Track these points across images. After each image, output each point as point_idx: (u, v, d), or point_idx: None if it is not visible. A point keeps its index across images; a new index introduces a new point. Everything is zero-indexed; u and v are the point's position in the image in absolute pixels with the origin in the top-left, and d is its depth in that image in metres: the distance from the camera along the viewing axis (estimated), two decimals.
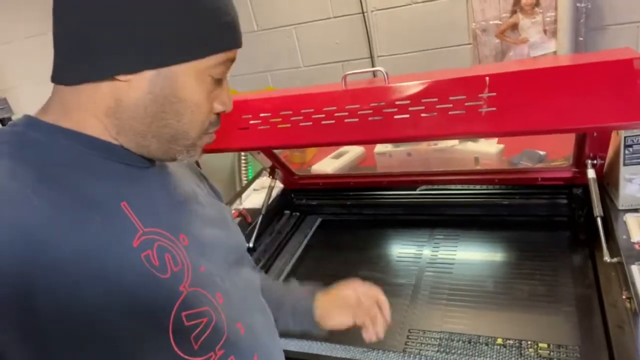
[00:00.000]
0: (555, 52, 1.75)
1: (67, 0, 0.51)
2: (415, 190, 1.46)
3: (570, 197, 1.28)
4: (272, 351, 0.70)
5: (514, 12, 1.79)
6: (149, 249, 0.53)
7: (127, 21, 0.49)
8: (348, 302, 0.87)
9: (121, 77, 0.51)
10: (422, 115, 0.79)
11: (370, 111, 0.83)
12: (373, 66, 2.15)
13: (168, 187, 0.63)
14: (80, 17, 0.50)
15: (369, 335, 0.85)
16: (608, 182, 1.13)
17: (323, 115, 0.86)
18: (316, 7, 2.14)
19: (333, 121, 0.85)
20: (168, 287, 0.54)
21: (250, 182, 1.64)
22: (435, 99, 0.79)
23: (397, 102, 0.81)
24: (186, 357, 0.54)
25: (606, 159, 1.09)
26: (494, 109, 0.74)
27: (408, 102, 0.81)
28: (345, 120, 0.84)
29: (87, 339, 0.47)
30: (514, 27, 1.81)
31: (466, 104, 0.76)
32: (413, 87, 0.82)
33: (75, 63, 0.52)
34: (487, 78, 0.75)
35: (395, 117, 0.81)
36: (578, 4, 1.66)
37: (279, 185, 1.55)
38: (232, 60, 0.57)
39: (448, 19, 1.95)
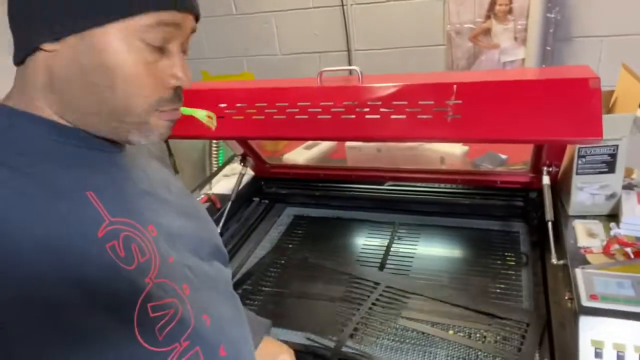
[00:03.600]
0: (523, 60, 1.82)
1: None
2: (382, 185, 1.50)
3: (526, 200, 1.36)
4: (239, 342, 0.70)
5: (487, 17, 1.84)
6: (114, 240, 0.52)
7: None
8: None
9: (47, 47, 0.49)
10: (392, 117, 0.82)
11: (343, 109, 0.86)
12: (349, 59, 2.17)
13: (138, 176, 0.62)
14: None
15: None
16: (561, 188, 1.20)
17: (297, 110, 0.88)
18: None
19: (306, 116, 0.88)
20: (133, 279, 0.53)
21: (221, 168, 1.65)
22: (405, 102, 0.82)
23: (369, 103, 0.85)
24: (150, 348, 0.53)
25: (561, 167, 1.16)
26: (459, 116, 0.78)
27: (379, 103, 0.84)
28: (319, 117, 0.87)
29: (49, 330, 0.46)
30: (487, 32, 1.86)
31: (434, 109, 0.80)
32: (385, 89, 0.85)
33: (16, 40, 0.51)
34: (454, 86, 0.79)
35: (367, 116, 0.84)
36: (548, 15, 1.72)
37: (249, 173, 1.56)
38: (173, 25, 0.51)
39: (424, 19, 1.98)
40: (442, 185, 1.44)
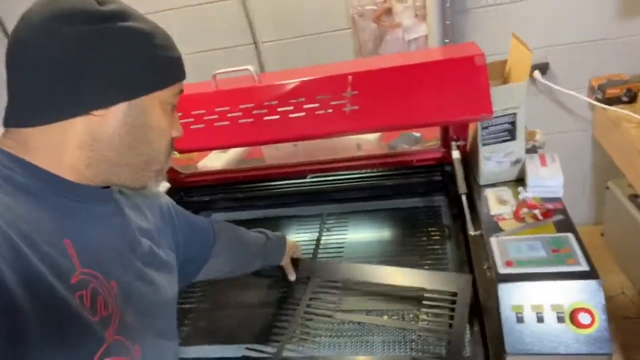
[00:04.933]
0: (426, 36, 1.85)
1: (33, 48, 0.54)
2: (304, 178, 1.48)
3: (443, 174, 1.39)
4: None
5: None
6: (83, 289, 0.55)
7: (99, 60, 0.55)
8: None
9: (97, 112, 0.56)
10: (291, 115, 0.80)
11: (240, 113, 0.82)
12: (258, 52, 2.11)
13: (114, 232, 0.66)
14: (50, 63, 0.54)
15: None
16: (471, 159, 1.24)
17: (192, 120, 0.83)
18: None
19: (203, 125, 0.83)
20: (95, 331, 0.55)
21: None
22: (303, 99, 0.80)
23: (267, 103, 0.81)
24: None
25: (468, 139, 1.20)
26: (357, 107, 0.77)
27: (276, 102, 0.81)
28: (215, 124, 0.82)
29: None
30: (389, 11, 1.88)
31: (331, 102, 0.78)
32: (281, 87, 0.82)
33: (44, 105, 0.55)
34: (349, 77, 0.78)
35: (265, 118, 0.81)
36: None
37: (165, 185, 1.48)
38: (182, 90, 0.65)
39: (327, 4, 1.97)
40: (363, 170, 1.45)
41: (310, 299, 1.16)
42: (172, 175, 1.44)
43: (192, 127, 0.83)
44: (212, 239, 1.00)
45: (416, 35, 1.88)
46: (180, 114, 0.68)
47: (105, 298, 0.58)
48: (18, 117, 0.56)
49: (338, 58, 2.04)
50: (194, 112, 0.83)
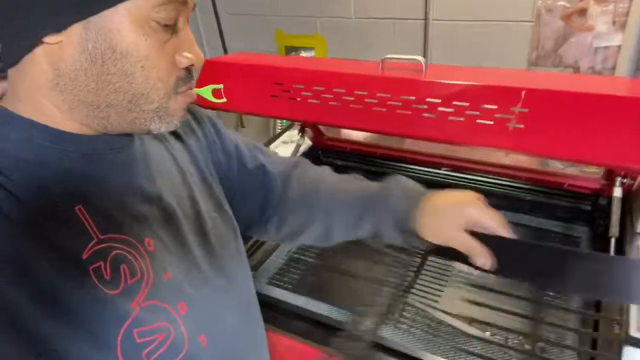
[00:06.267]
0: (619, 47, 1.64)
1: None
2: (439, 169, 1.46)
3: (594, 206, 1.26)
4: (243, 356, 0.66)
5: None
6: (101, 261, 0.48)
7: None
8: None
9: (49, 39, 0.44)
10: (450, 118, 0.79)
11: (400, 104, 0.83)
12: (426, 29, 2.06)
13: (142, 177, 0.56)
14: None
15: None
16: (634, 201, 1.10)
17: (353, 99, 0.87)
18: None
19: (361, 106, 0.86)
20: (117, 304, 0.48)
21: (279, 134, 1.67)
22: (467, 104, 0.78)
23: (428, 100, 0.81)
24: None
25: (637, 179, 1.07)
26: (522, 126, 0.73)
27: (439, 101, 0.80)
28: (373, 109, 0.85)
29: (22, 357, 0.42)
30: (582, 12, 1.68)
31: (496, 115, 0.75)
32: (447, 86, 0.80)
33: (9, 37, 0.45)
34: (523, 92, 0.74)
35: (424, 114, 0.81)
36: None
37: (307, 142, 1.57)
38: (182, 1, 0.48)
39: None
40: (503, 178, 1.37)
41: (416, 284, 1.17)
42: (316, 134, 1.51)
43: (351, 106, 0.87)
44: (273, 185, 0.79)
45: (607, 44, 1.67)
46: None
47: (132, 263, 0.50)
48: (2, 57, 0.47)
49: (510, 50, 1.92)
50: (356, 92, 0.86)
